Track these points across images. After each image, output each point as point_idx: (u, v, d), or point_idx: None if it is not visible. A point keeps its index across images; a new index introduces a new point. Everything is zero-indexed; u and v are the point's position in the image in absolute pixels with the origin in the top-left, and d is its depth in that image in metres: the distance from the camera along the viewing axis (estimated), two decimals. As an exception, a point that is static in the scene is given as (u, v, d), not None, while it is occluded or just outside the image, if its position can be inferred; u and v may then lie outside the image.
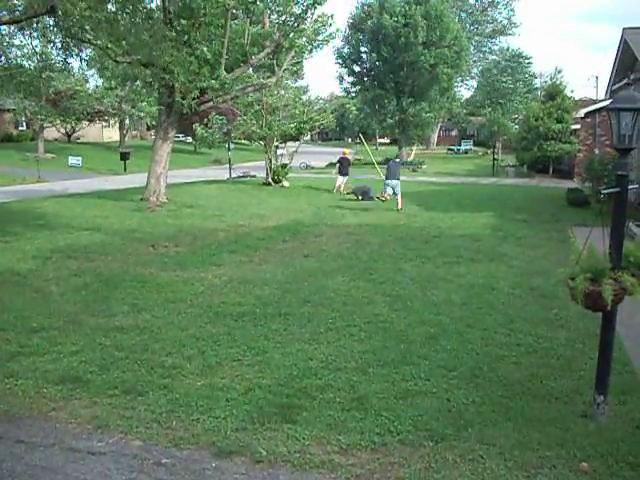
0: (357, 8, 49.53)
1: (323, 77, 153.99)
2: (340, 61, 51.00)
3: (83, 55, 18.26)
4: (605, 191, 5.05)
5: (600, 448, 4.68)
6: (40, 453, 4.71)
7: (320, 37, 23.70)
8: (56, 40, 16.58)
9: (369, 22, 46.36)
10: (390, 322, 7.76)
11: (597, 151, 25.80)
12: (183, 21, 18.14)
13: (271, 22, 24.82)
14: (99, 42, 16.65)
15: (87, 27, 15.44)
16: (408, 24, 44.44)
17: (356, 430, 4.98)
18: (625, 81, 20.02)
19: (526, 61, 63.06)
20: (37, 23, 15.60)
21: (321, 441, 4.83)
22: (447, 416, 5.22)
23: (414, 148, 51.99)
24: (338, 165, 26.27)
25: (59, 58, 18.43)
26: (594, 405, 5.14)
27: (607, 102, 18.91)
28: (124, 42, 16.69)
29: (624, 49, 19.48)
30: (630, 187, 5.16)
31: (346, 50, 50.35)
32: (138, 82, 24.85)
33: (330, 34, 24.13)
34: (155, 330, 7.46)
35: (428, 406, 5.38)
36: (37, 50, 22.28)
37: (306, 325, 7.67)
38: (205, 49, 18.91)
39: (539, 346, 6.92)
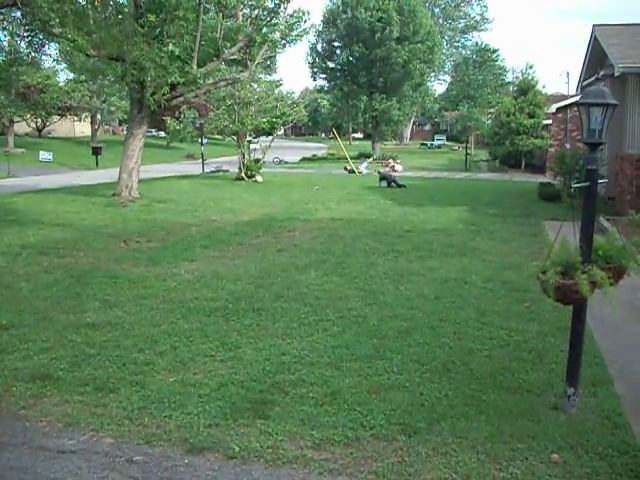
0: (332, 3, 49.35)
1: (297, 71, 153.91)
2: (311, 58, 50.70)
3: (51, 49, 18.09)
4: (575, 185, 5.09)
5: (570, 439, 4.73)
6: (9, 453, 4.64)
7: (294, 32, 23.62)
8: (24, 34, 16.35)
9: (343, 16, 46.24)
10: (363, 317, 7.77)
11: (568, 146, 26.08)
12: (152, 16, 17.94)
13: (244, 16, 24.68)
14: (69, 35, 16.44)
15: (55, 20, 15.21)
16: (382, 19, 44.48)
17: (329, 425, 4.98)
18: (595, 77, 20.23)
19: (494, 54, 63.66)
20: (2, 15, 15.36)
21: (294, 436, 4.82)
22: (420, 410, 5.23)
23: (380, 145, 52.20)
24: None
25: (27, 51, 18.20)
26: (565, 397, 5.19)
27: (578, 97, 19.10)
28: (94, 36, 16.50)
29: (594, 45, 19.70)
30: (600, 181, 5.21)
31: (320, 46, 50.13)
32: (109, 76, 24.59)
33: (304, 29, 24.06)
34: (127, 326, 7.39)
35: (401, 400, 5.40)
36: (4, 43, 21.96)
37: (279, 320, 7.65)
38: (171, 46, 18.70)
39: (511, 339, 6.97)
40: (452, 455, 4.54)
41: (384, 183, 25.97)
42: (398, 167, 37.20)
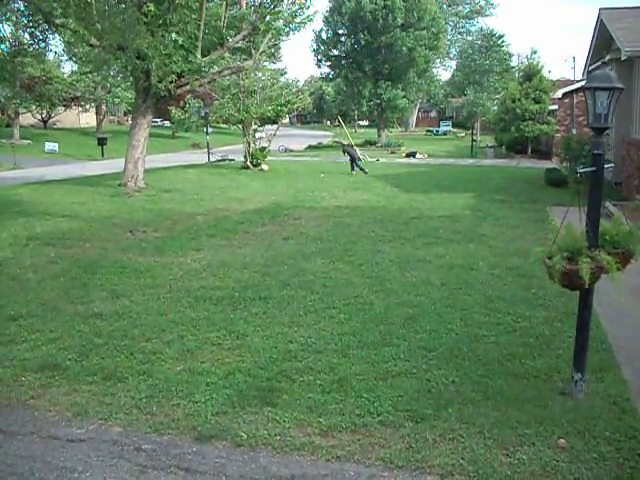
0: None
1: (302, 59, 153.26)
2: (315, 46, 50.34)
3: (54, 40, 18.10)
4: (582, 170, 5.07)
5: (578, 425, 4.73)
6: (19, 442, 4.67)
7: (298, 19, 23.50)
8: (29, 24, 16.31)
9: (348, 4, 45.90)
10: (370, 304, 7.78)
11: (574, 131, 25.94)
12: (152, 5, 17.84)
13: (247, 4, 24.57)
14: (71, 26, 16.39)
15: (57, 11, 15.15)
16: (386, 6, 44.20)
17: (336, 412, 5.00)
18: (601, 61, 20.10)
19: (499, 40, 63.31)
20: (6, 6, 15.33)
21: (301, 423, 4.84)
22: (427, 396, 5.24)
23: (386, 132, 52.20)
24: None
25: (29, 42, 18.18)
26: (572, 383, 5.19)
27: (584, 82, 18.98)
28: (98, 25, 16.45)
29: (600, 29, 19.56)
30: (606, 166, 5.18)
31: (324, 34, 49.77)
32: (114, 66, 24.56)
33: (308, 16, 23.93)
34: (134, 316, 7.42)
35: (408, 387, 5.41)
36: (7, 35, 21.97)
37: (286, 308, 7.66)
38: (174, 35, 18.62)
39: (518, 325, 6.96)
40: (459, 441, 4.55)
41: (355, 168, 25.53)
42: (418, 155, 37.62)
